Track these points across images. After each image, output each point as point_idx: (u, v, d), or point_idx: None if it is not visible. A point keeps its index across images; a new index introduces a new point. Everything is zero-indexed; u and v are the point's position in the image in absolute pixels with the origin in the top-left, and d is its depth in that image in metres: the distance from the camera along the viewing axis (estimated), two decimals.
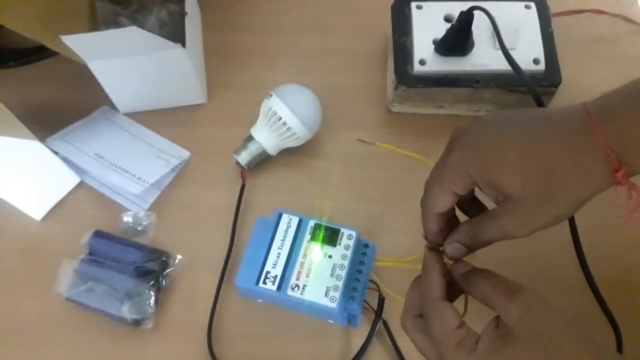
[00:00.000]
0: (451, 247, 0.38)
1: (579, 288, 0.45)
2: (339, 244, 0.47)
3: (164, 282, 0.50)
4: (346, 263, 0.46)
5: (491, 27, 0.53)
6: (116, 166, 0.53)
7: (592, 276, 0.45)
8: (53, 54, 0.61)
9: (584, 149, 0.33)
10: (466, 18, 0.51)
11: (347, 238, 0.47)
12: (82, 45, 0.49)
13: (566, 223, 0.44)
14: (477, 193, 0.39)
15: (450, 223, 0.39)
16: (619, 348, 0.45)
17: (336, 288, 0.45)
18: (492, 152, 0.35)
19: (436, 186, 0.37)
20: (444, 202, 0.37)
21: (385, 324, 0.48)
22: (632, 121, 0.33)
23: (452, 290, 0.39)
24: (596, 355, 0.32)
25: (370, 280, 0.48)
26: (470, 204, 0.40)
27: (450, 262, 0.39)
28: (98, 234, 0.51)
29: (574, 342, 0.32)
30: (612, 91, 0.35)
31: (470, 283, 0.37)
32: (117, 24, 0.58)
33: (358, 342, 0.47)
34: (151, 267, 0.49)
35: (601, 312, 0.45)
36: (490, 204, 0.38)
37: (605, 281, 0.45)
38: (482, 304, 0.36)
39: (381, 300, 0.47)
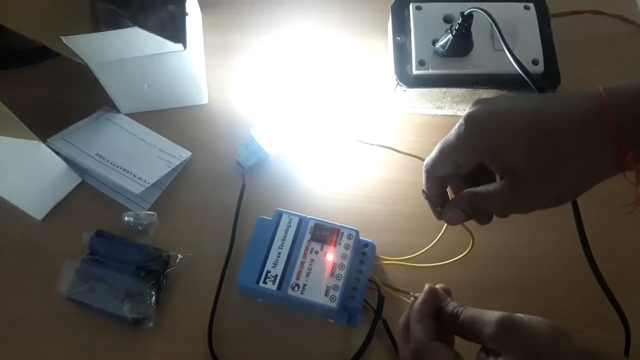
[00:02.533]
0: (451, 212, 0.39)
1: (583, 286, 0.45)
2: (339, 244, 0.47)
3: (164, 282, 0.50)
4: (346, 262, 0.46)
5: (490, 28, 0.53)
6: (117, 166, 0.53)
7: (601, 273, 0.45)
8: (55, 54, 0.61)
9: (593, 130, 0.33)
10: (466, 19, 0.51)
11: (347, 237, 0.48)
12: (83, 45, 0.49)
13: (573, 223, 0.44)
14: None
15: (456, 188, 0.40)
16: (627, 344, 0.45)
17: (336, 287, 0.45)
18: (502, 126, 0.35)
19: (440, 152, 0.38)
20: (444, 168, 0.38)
21: (385, 323, 0.48)
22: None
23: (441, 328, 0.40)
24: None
25: (370, 280, 0.48)
26: (479, 173, 0.40)
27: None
28: (99, 233, 0.51)
29: (562, 352, 0.33)
30: (627, 79, 0.34)
31: (452, 323, 0.37)
32: (118, 25, 0.58)
33: (358, 341, 0.47)
34: (152, 267, 0.49)
35: (607, 311, 0.45)
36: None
37: (611, 279, 0.45)
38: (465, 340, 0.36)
39: (381, 300, 0.47)
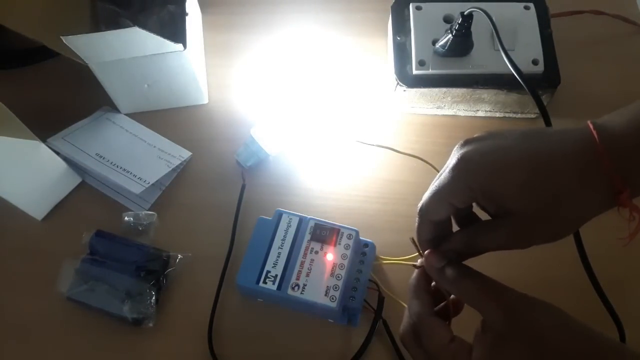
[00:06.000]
0: (444, 255, 0.38)
1: (581, 287, 0.45)
2: (339, 244, 0.47)
3: (164, 282, 0.50)
4: (346, 262, 0.46)
5: (490, 28, 0.53)
6: (117, 166, 0.53)
7: (595, 274, 0.45)
8: (55, 54, 0.61)
9: (588, 169, 0.33)
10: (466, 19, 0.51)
11: (347, 237, 0.48)
12: (83, 45, 0.49)
13: None
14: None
15: (444, 232, 0.39)
16: None
17: (336, 287, 0.45)
18: (497, 167, 0.35)
19: (435, 196, 0.37)
20: (440, 212, 0.37)
21: (384, 323, 0.48)
22: (637, 141, 0.33)
23: (444, 308, 0.40)
24: (588, 344, 0.33)
25: (370, 280, 0.48)
26: (465, 216, 0.40)
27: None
28: (99, 233, 0.51)
29: (563, 335, 0.33)
30: (616, 111, 0.35)
31: (455, 284, 0.37)
32: (118, 25, 0.58)
33: (358, 341, 0.47)
34: (152, 267, 0.49)
35: (603, 310, 0.46)
36: (484, 216, 0.39)
37: (608, 280, 0.45)
38: (468, 305, 0.36)
39: (381, 300, 0.47)
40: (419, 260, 0.41)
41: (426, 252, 0.40)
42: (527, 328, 0.33)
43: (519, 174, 0.34)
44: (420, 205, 0.38)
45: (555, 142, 0.35)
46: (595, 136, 0.33)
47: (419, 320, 0.38)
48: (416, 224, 0.39)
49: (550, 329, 0.33)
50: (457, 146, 0.37)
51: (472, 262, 0.49)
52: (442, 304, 0.40)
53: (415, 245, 0.41)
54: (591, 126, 0.34)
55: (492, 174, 0.35)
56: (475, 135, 0.37)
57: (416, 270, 0.41)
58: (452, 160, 0.36)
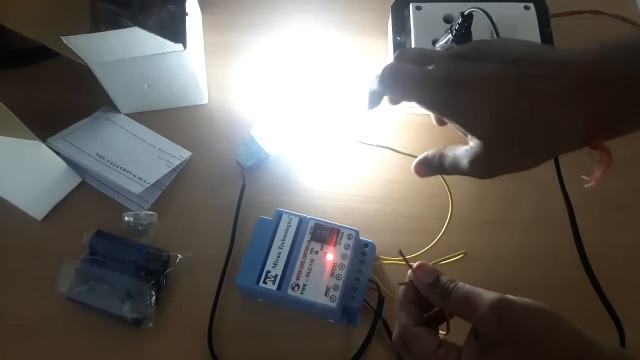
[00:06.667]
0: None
1: (581, 287, 0.45)
2: (339, 244, 0.47)
3: (164, 282, 0.50)
4: (346, 262, 0.46)
5: (490, 28, 0.53)
6: (117, 166, 0.53)
7: (595, 275, 0.45)
8: (55, 54, 0.61)
9: (570, 107, 0.32)
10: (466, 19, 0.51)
11: (347, 237, 0.48)
12: (83, 45, 0.49)
13: (568, 223, 0.44)
14: None
15: None
16: (622, 346, 0.45)
17: (336, 287, 0.45)
18: (480, 93, 0.34)
19: (402, 91, 0.38)
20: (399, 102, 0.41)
21: (384, 323, 0.48)
22: (627, 81, 0.31)
23: (433, 316, 0.40)
24: (581, 347, 0.33)
25: (370, 280, 0.48)
26: None
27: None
28: (99, 233, 0.51)
29: (555, 338, 0.33)
30: (610, 44, 0.33)
31: (443, 300, 0.37)
32: (118, 25, 0.58)
33: (358, 341, 0.47)
34: (152, 267, 0.49)
35: (603, 311, 0.46)
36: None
37: (608, 280, 0.45)
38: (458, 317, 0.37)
39: (381, 300, 0.47)
40: (408, 274, 0.41)
41: (415, 265, 0.40)
42: (517, 330, 0.33)
43: (500, 104, 0.33)
44: (380, 78, 0.39)
45: (546, 76, 0.33)
46: (587, 77, 0.32)
47: (405, 331, 0.38)
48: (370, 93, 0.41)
49: (541, 332, 0.33)
50: (447, 54, 0.36)
51: (472, 264, 0.49)
52: (435, 308, 0.41)
53: (404, 258, 0.41)
54: (590, 61, 0.32)
55: (470, 104, 0.34)
56: (468, 49, 0.36)
57: (403, 286, 0.41)
58: (439, 72, 0.35)
